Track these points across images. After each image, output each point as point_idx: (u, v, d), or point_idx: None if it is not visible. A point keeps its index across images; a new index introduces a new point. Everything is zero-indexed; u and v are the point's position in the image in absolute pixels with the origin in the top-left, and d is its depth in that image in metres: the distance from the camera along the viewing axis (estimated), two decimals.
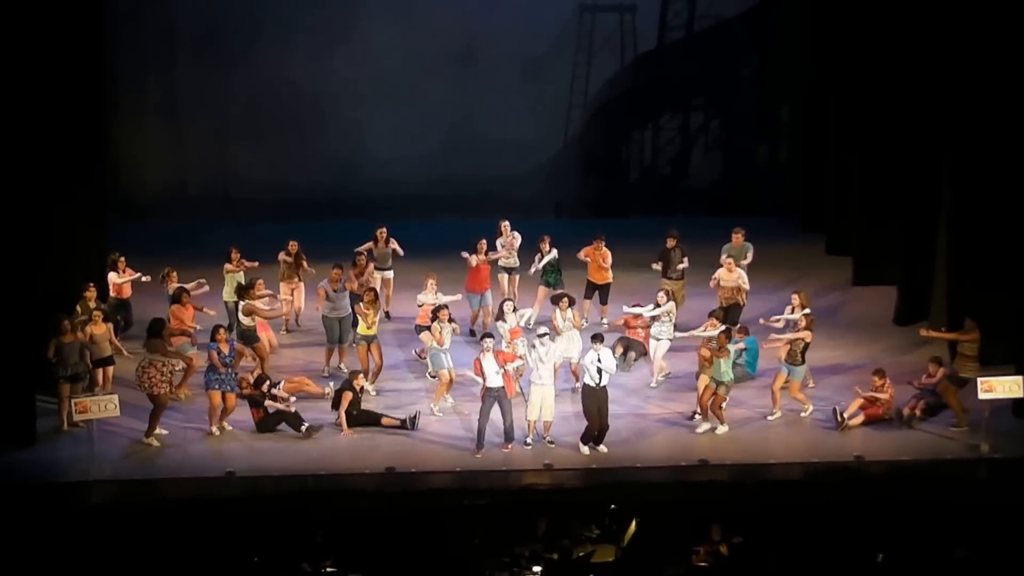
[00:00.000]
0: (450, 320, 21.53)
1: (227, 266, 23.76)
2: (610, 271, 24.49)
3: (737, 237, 24.69)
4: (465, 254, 24.17)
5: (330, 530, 17.31)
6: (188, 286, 22.84)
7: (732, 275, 23.82)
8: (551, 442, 20.43)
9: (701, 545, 17.12)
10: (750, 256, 24.56)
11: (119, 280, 23.56)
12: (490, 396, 19.92)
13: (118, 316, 23.21)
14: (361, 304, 22.05)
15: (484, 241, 24.36)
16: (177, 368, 21.19)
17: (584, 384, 20.19)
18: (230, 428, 20.79)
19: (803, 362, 21.34)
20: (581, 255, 24.53)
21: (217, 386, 20.47)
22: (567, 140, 33.82)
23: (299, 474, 19.52)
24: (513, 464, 19.87)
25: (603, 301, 24.58)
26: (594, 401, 20.04)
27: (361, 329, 22.04)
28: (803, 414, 21.32)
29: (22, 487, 18.97)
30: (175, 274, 23.42)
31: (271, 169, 31.76)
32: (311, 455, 20.05)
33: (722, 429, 20.83)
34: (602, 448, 20.19)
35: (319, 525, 17.42)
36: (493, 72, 31.98)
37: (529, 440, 20.32)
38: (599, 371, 19.89)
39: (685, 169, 34.74)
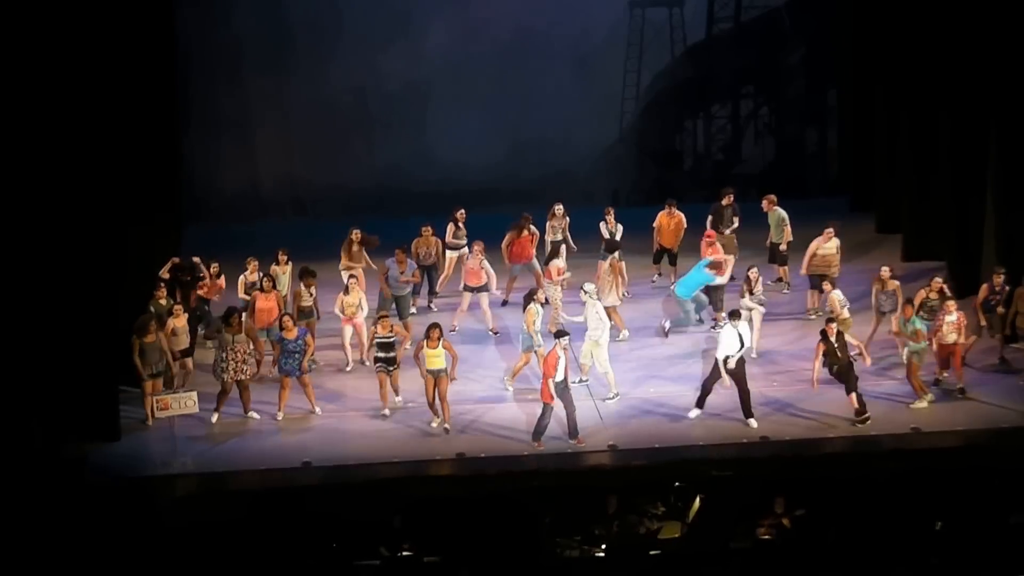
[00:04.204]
0: (544, 302, 21.93)
1: (274, 268, 23.96)
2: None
3: (767, 204, 24.96)
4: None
5: (407, 515, 17.56)
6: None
7: (831, 244, 23.77)
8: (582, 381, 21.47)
9: (765, 519, 17.40)
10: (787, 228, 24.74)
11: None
12: (555, 391, 19.94)
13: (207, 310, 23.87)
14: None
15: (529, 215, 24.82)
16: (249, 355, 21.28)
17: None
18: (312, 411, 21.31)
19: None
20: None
21: (289, 372, 21.12)
22: (622, 131, 34.07)
23: (374, 462, 19.81)
24: (579, 447, 20.06)
25: (672, 263, 24.91)
26: (741, 371, 20.56)
27: None
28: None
29: (109, 482, 19.37)
30: (255, 263, 23.69)
31: (338, 169, 32.10)
32: (384, 442, 20.39)
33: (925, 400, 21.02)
34: (751, 422, 20.59)
35: (396, 511, 17.68)
36: (547, 68, 32.17)
37: (581, 379, 21.51)
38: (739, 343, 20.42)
39: (737, 155, 34.93)
